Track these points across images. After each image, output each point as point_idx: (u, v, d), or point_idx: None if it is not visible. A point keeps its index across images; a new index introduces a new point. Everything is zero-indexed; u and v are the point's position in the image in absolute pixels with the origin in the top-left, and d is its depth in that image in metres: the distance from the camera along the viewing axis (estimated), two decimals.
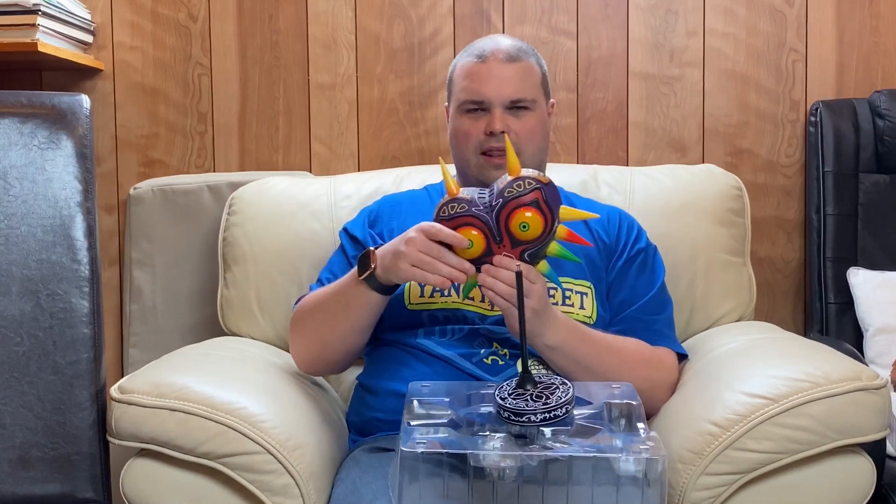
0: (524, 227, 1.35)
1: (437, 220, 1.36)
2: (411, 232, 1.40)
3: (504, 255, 1.36)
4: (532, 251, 1.37)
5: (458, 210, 1.35)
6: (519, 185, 1.34)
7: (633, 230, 1.70)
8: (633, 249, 1.67)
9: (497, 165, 1.59)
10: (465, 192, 1.37)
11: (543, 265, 1.41)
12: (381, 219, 1.71)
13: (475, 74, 1.62)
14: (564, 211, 1.38)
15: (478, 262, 1.38)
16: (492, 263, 1.36)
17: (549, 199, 1.35)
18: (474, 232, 1.35)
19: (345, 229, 1.73)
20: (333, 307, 1.52)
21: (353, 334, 1.54)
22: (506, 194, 1.34)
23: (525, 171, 1.36)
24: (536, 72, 1.66)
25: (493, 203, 1.35)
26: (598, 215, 1.58)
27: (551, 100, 1.71)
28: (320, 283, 1.65)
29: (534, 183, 1.34)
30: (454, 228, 1.35)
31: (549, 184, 1.35)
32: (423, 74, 2.25)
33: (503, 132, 1.57)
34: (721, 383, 1.44)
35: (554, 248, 1.40)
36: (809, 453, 1.34)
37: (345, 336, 1.54)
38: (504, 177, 1.36)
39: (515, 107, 1.62)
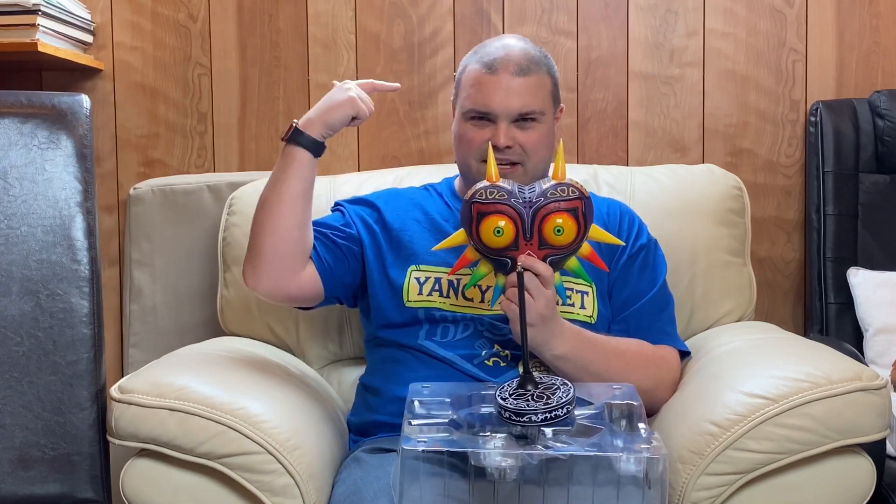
0: (559, 231, 1.35)
1: (472, 201, 1.37)
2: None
3: (528, 254, 1.36)
4: (555, 258, 1.38)
5: (496, 196, 1.36)
6: (563, 190, 1.35)
7: (634, 225, 1.70)
8: (636, 246, 1.66)
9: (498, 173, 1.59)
10: (505, 183, 1.38)
11: (556, 276, 1.41)
12: (376, 202, 1.70)
13: (483, 85, 1.58)
14: (593, 230, 1.39)
15: (502, 254, 1.38)
16: (515, 258, 1.37)
17: (587, 211, 1.36)
18: (502, 223, 1.35)
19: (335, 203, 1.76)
20: (270, 186, 1.54)
21: (290, 209, 1.52)
22: (549, 195, 1.35)
23: (570, 179, 1.36)
24: (547, 83, 1.62)
25: (534, 200, 1.35)
26: (623, 243, 1.58)
27: (560, 105, 1.68)
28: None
29: (577, 192, 1.36)
30: (487, 214, 1.36)
31: (589, 198, 1.36)
32: (423, 74, 2.25)
33: (508, 147, 1.57)
34: (721, 383, 1.44)
35: (573, 262, 1.41)
36: (809, 453, 1.34)
37: (283, 216, 1.52)
38: (547, 178, 1.38)
39: (522, 118, 1.58)
